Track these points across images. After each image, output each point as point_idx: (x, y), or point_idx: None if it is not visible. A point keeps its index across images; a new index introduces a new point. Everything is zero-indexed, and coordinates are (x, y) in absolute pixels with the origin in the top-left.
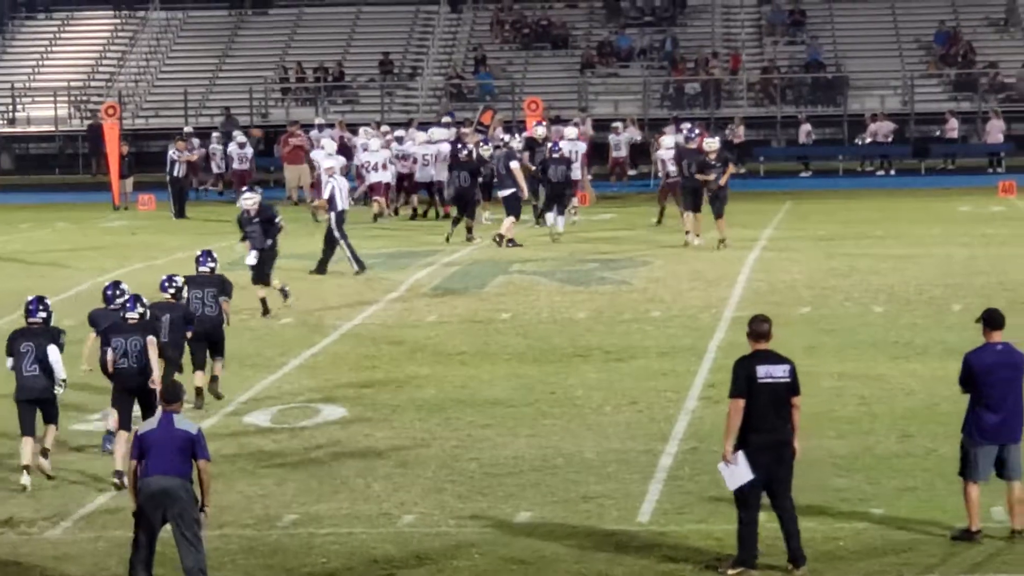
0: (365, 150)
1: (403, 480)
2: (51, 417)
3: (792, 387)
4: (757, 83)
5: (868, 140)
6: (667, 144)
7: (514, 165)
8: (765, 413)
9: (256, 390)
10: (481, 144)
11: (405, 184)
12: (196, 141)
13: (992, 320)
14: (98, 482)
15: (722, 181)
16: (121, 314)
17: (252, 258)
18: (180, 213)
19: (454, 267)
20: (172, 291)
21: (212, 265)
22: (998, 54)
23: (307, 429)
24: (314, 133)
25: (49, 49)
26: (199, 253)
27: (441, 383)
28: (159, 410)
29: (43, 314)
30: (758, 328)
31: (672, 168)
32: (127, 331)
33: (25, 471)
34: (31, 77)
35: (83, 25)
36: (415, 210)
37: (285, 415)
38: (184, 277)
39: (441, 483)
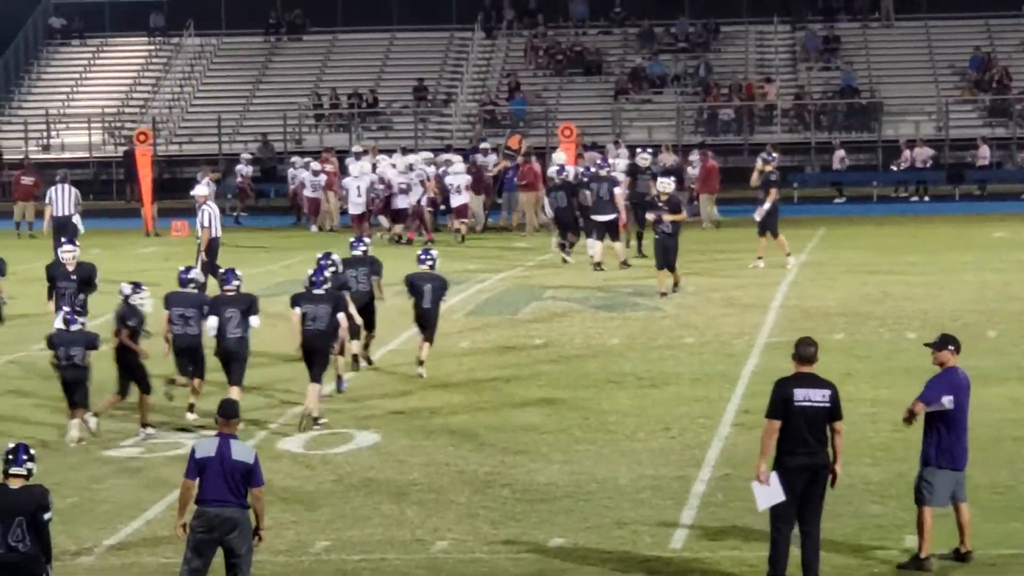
0: (449, 173)
1: (436, 506)
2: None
3: (832, 412)
4: (791, 109)
5: (904, 166)
6: (620, 167)
7: (617, 191)
8: (801, 436)
9: (289, 416)
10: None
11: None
12: (249, 169)
13: (959, 344)
14: (131, 508)
15: (666, 218)
16: (310, 287)
17: (60, 321)
18: None
19: (487, 293)
20: (430, 263)
21: (364, 248)
22: None
23: (340, 455)
24: (349, 160)
25: (83, 75)
26: (352, 239)
27: (474, 409)
28: (216, 433)
29: (236, 282)
30: (803, 351)
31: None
32: (316, 300)
33: None
34: (65, 103)
35: (117, 51)
36: (399, 236)
37: (318, 441)
38: (340, 258)
39: (474, 509)
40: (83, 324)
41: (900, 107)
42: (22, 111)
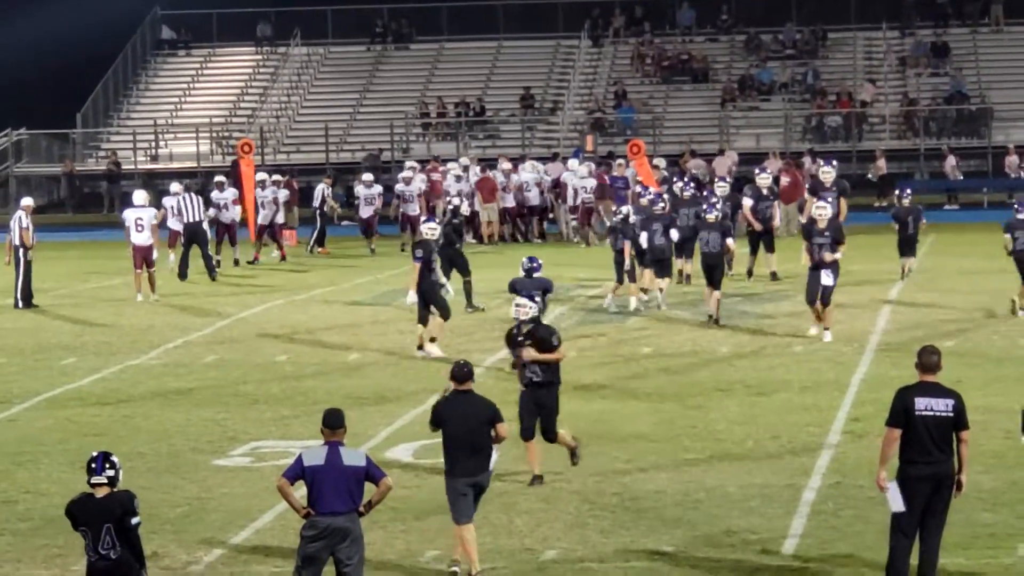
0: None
1: (545, 515)
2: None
3: (957, 422)
4: (899, 115)
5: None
6: (582, 174)
7: (746, 203)
8: (923, 446)
9: (398, 425)
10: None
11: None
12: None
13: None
14: (240, 517)
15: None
16: (703, 215)
17: (412, 296)
18: (321, 245)
19: (596, 301)
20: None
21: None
22: None
23: None
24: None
25: (191, 85)
26: (658, 191)
27: (582, 418)
28: (323, 442)
29: (539, 267)
30: (925, 360)
31: (586, 196)
32: (708, 227)
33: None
34: (173, 113)
35: (224, 61)
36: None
37: (427, 450)
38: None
39: (583, 518)
40: (540, 271)
41: (1010, 112)
42: (131, 121)
